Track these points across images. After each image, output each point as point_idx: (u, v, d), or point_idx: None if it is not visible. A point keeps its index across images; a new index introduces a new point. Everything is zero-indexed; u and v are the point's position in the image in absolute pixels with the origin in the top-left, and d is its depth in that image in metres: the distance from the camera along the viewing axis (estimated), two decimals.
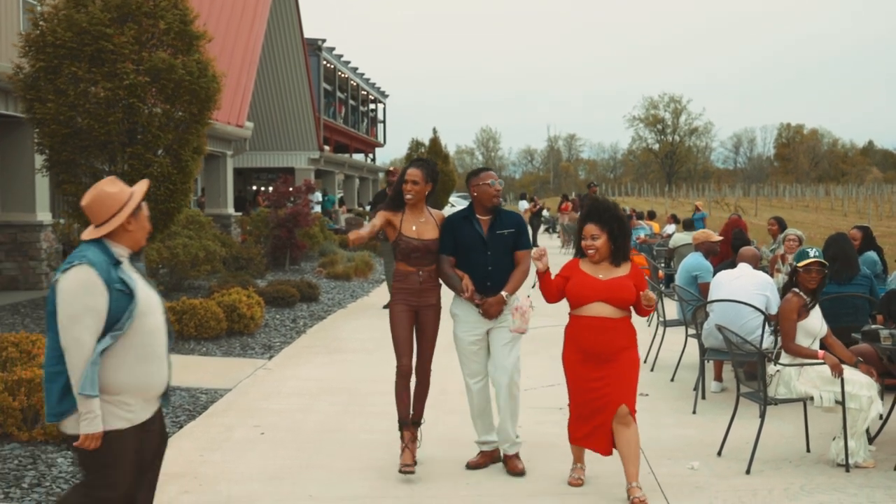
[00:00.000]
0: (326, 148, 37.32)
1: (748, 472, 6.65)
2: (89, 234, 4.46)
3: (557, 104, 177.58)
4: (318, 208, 29.67)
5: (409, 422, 6.66)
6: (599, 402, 6.08)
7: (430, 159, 6.97)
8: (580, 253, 6.30)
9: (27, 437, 6.90)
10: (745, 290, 8.81)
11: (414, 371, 6.74)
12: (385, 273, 15.17)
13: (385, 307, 12.44)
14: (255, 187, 39.07)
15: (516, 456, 6.65)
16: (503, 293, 6.52)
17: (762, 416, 6.92)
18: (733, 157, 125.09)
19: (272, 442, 7.53)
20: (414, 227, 6.64)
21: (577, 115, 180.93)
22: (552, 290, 6.32)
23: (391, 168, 13.97)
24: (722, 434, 7.23)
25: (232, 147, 24.00)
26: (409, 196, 6.62)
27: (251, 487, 6.39)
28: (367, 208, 34.90)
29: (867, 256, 10.61)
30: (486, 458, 6.80)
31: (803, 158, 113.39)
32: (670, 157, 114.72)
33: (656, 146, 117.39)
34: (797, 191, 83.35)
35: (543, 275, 6.31)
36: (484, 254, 6.59)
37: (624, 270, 6.22)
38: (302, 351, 11.68)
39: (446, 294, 6.69)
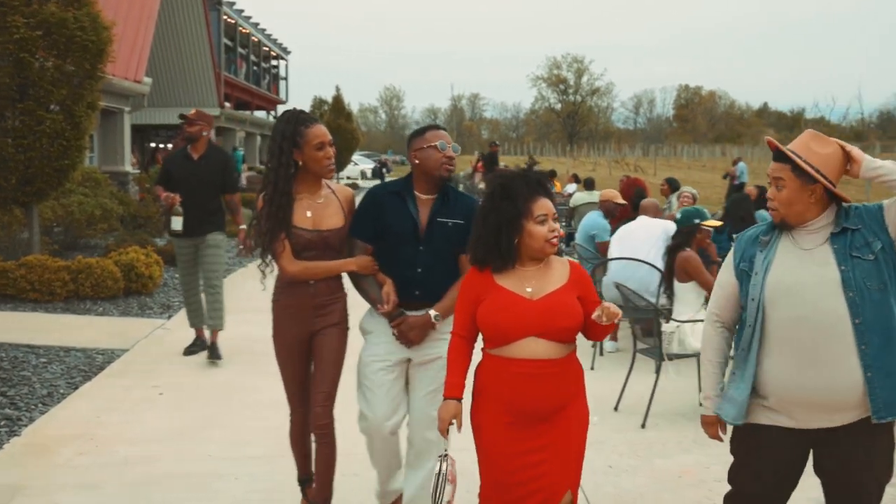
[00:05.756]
0: (227, 105, 36.72)
1: (643, 426, 6.81)
2: None
3: (461, 63, 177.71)
4: None
5: (312, 477, 4.94)
6: (533, 486, 3.79)
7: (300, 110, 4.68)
8: (496, 259, 3.79)
9: None
10: (642, 240, 8.98)
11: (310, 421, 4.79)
12: (185, 295, 9.22)
13: (188, 353, 9.06)
14: (153, 144, 38.28)
15: None
16: (431, 313, 4.52)
17: (657, 371, 7.09)
18: (633, 117, 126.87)
19: (171, 402, 7.46)
20: (309, 213, 4.58)
21: (481, 75, 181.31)
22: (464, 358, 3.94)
23: (190, 113, 8.65)
24: (619, 390, 7.40)
25: (130, 103, 23.45)
26: (332, 163, 4.57)
27: (149, 448, 6.32)
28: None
29: (760, 214, 10.94)
30: None
31: (701, 119, 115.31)
32: (572, 117, 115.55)
33: (558, 106, 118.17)
34: (695, 151, 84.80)
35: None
36: (415, 248, 4.54)
37: (560, 274, 3.87)
38: None
39: (355, 305, 4.81)
